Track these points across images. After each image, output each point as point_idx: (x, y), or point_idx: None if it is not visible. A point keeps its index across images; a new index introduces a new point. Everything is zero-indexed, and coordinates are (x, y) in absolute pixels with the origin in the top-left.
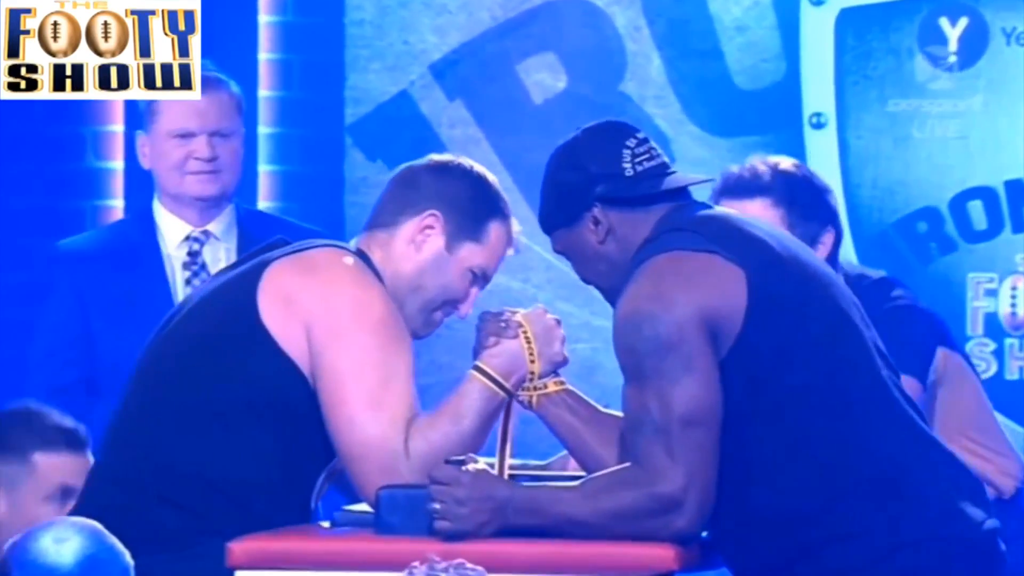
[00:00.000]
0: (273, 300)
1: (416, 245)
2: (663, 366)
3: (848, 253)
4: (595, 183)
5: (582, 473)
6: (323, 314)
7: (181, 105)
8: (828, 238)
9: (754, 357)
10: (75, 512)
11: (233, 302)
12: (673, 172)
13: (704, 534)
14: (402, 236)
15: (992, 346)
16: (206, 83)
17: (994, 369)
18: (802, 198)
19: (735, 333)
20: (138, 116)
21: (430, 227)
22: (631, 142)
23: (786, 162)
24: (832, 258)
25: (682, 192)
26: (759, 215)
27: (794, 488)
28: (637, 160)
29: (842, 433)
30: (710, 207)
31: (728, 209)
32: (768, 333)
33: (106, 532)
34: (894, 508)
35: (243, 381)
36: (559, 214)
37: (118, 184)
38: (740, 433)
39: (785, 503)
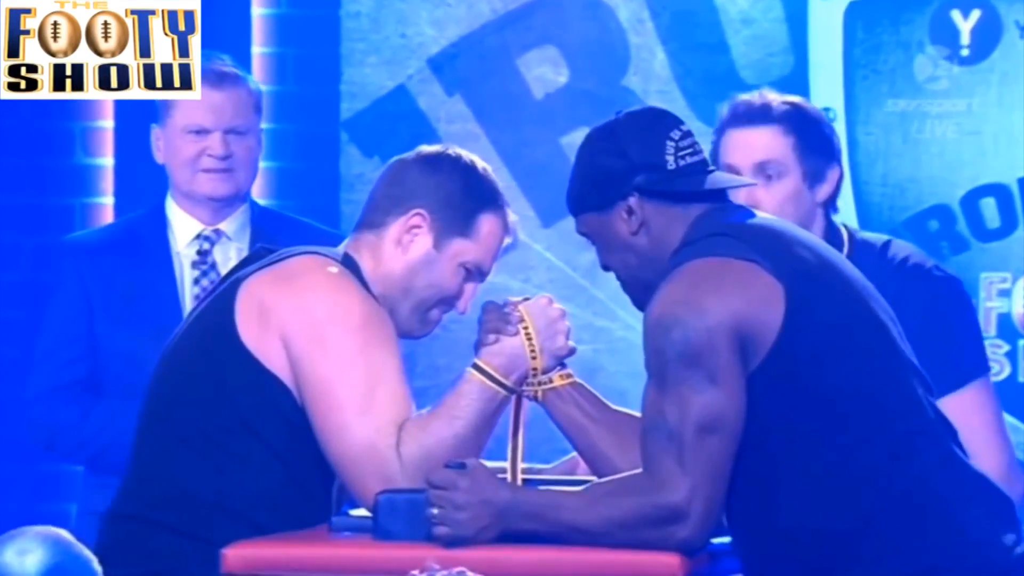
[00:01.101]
0: (248, 316)
1: (403, 246)
2: (687, 374)
3: None
4: (635, 172)
5: (592, 478)
6: (298, 322)
7: (197, 100)
8: (833, 175)
9: (786, 371)
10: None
11: (213, 322)
12: (713, 170)
13: (728, 541)
14: (389, 237)
15: (1005, 348)
16: (223, 79)
17: (1007, 371)
18: (811, 130)
19: (767, 346)
20: (128, 112)
21: (416, 226)
22: (675, 134)
23: (792, 96)
24: (833, 199)
25: (720, 193)
26: (769, 144)
27: (822, 505)
28: (680, 154)
29: (874, 453)
30: (752, 213)
31: (769, 215)
32: (803, 348)
33: (73, 541)
34: (924, 531)
35: (232, 403)
36: (591, 198)
37: (108, 181)
38: (769, 446)
39: (812, 519)
